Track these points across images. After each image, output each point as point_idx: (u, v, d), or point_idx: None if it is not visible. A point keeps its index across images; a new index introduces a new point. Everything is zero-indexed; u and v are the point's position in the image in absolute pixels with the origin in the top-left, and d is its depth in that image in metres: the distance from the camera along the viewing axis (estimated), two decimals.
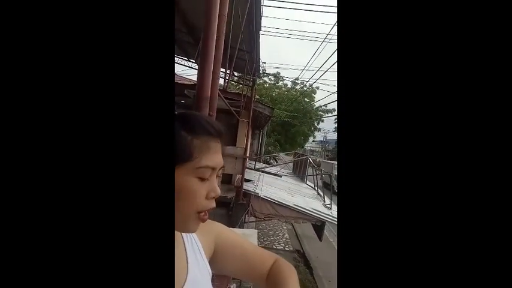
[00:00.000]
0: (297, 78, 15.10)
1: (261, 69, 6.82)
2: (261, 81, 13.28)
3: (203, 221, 0.40)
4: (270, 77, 14.95)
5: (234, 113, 3.40)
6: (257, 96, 7.87)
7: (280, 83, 15.45)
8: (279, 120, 14.21)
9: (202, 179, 0.39)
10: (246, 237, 0.59)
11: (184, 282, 0.42)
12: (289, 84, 15.63)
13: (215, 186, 0.41)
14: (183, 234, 0.46)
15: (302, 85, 14.96)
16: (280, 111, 13.34)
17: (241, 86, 6.39)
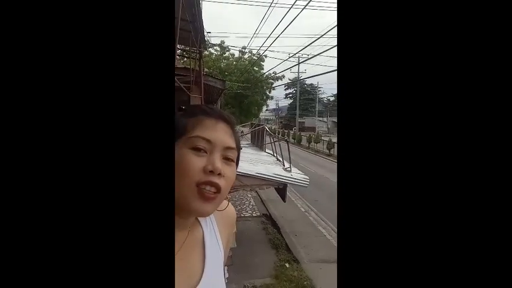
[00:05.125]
0: (244, 47, 14.73)
1: (206, 39, 6.44)
2: (207, 52, 12.62)
3: (207, 199, 0.38)
4: (216, 47, 14.27)
5: (184, 89, 3.24)
6: (206, 69, 7.51)
7: (227, 53, 14.91)
8: (231, 92, 13.94)
9: (197, 150, 0.39)
10: None
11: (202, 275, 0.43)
12: (236, 54, 15.21)
13: (213, 161, 0.39)
14: (202, 223, 0.47)
15: (250, 54, 14.67)
16: (231, 83, 13.05)
17: (186, 59, 5.99)
